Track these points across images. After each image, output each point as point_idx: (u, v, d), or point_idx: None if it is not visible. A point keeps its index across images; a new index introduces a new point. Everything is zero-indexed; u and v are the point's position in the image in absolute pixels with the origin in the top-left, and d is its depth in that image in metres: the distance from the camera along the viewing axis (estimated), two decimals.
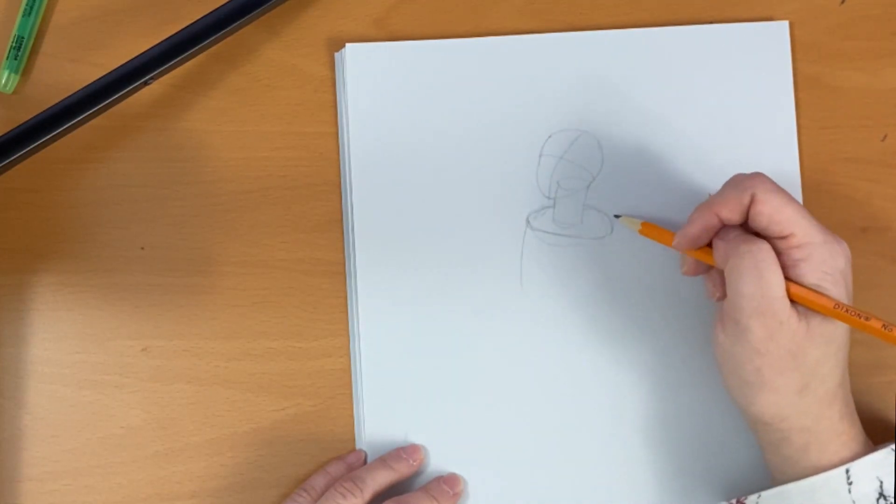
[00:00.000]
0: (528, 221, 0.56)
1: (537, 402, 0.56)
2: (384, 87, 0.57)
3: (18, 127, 0.52)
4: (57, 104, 0.52)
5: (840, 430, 0.48)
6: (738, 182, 0.49)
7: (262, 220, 0.57)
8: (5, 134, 0.52)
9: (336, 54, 0.57)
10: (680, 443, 0.55)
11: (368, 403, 0.56)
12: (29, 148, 0.52)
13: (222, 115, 0.58)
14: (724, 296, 0.50)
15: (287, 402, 0.56)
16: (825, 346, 0.47)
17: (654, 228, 0.54)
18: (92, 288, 0.56)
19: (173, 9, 0.57)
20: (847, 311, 0.46)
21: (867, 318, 0.46)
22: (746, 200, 0.48)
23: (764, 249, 0.47)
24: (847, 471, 0.47)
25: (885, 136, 0.58)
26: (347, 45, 0.57)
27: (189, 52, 0.53)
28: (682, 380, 0.56)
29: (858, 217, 0.57)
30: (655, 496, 0.55)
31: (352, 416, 0.56)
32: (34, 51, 0.58)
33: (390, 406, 0.56)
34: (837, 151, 0.57)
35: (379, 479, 0.53)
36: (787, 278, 0.47)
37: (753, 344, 0.47)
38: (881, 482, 0.48)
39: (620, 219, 0.55)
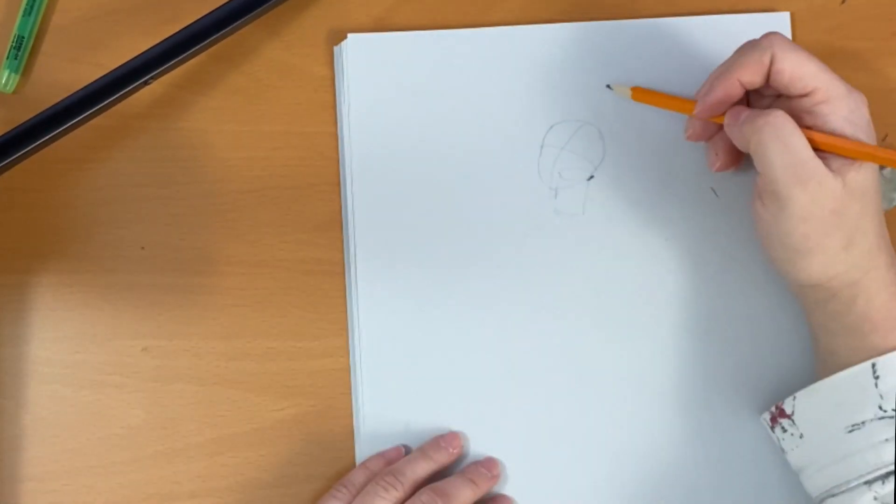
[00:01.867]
0: (530, 214, 0.56)
1: (538, 401, 0.56)
2: (385, 79, 0.57)
3: (18, 127, 0.52)
4: (57, 104, 0.52)
5: (888, 280, 0.49)
6: (755, 44, 0.48)
7: (263, 220, 0.57)
8: (5, 134, 0.52)
9: (335, 48, 0.57)
10: (686, 445, 0.55)
11: (368, 403, 0.56)
12: (29, 148, 0.52)
13: (222, 115, 0.58)
14: (724, 165, 0.52)
15: (287, 402, 0.56)
16: (862, 197, 0.48)
17: (647, 93, 0.53)
18: (92, 288, 0.56)
19: (173, 9, 0.57)
20: (875, 149, 0.47)
21: None
22: (766, 60, 0.48)
23: (780, 116, 0.47)
24: (873, 365, 0.47)
25: (886, 136, 0.58)
26: (349, 35, 0.57)
27: (189, 52, 0.53)
28: (698, 366, 0.56)
29: None
30: (655, 472, 0.55)
31: (352, 416, 0.56)
32: (34, 51, 0.58)
33: (390, 406, 0.56)
34: None
35: (419, 471, 0.53)
36: (818, 130, 0.47)
37: (797, 211, 0.47)
38: None
39: (613, 87, 0.55)
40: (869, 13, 0.58)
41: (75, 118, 0.52)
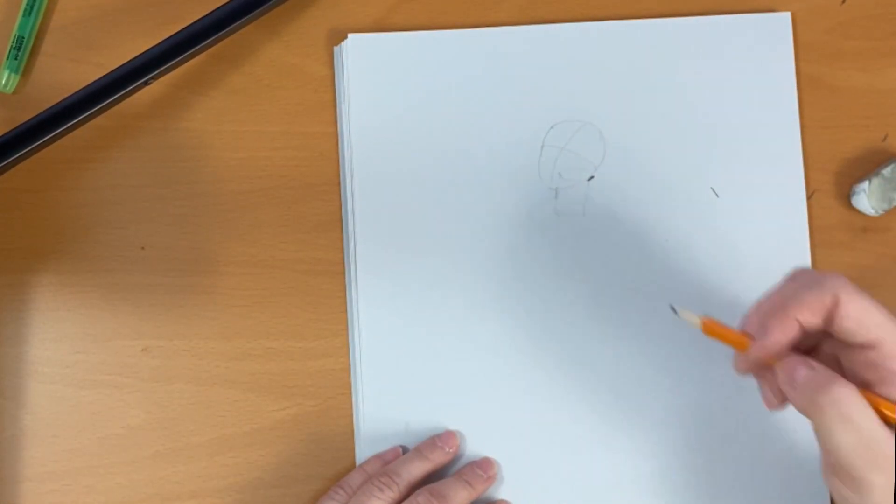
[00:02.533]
0: (530, 214, 0.56)
1: (538, 401, 0.56)
2: (385, 78, 0.57)
3: (18, 127, 0.52)
4: (57, 104, 0.52)
5: None
6: (816, 281, 0.43)
7: (263, 220, 0.57)
8: (5, 134, 0.52)
9: (335, 48, 0.57)
10: (686, 446, 0.55)
11: (368, 403, 0.56)
12: (29, 148, 0.52)
13: (222, 115, 0.58)
14: (781, 405, 0.45)
15: (287, 402, 0.56)
16: None
17: (718, 327, 0.46)
18: (92, 288, 0.56)
19: (173, 9, 0.57)
20: None
21: None
22: (829, 302, 0.42)
23: (846, 394, 0.42)
24: None
25: (886, 136, 0.58)
26: (349, 35, 0.57)
27: (189, 52, 0.53)
28: (697, 366, 0.55)
29: (859, 217, 0.57)
30: (674, 484, 0.55)
31: (352, 416, 0.56)
32: (34, 51, 0.58)
33: (390, 406, 0.56)
34: (838, 151, 0.57)
35: (414, 471, 0.53)
36: (877, 394, 0.42)
37: (880, 494, 0.42)
38: None
39: (679, 313, 0.47)
40: (869, 13, 0.58)
41: (75, 118, 0.52)
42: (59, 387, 0.56)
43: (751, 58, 0.57)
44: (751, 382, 0.54)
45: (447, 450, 0.54)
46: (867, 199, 0.56)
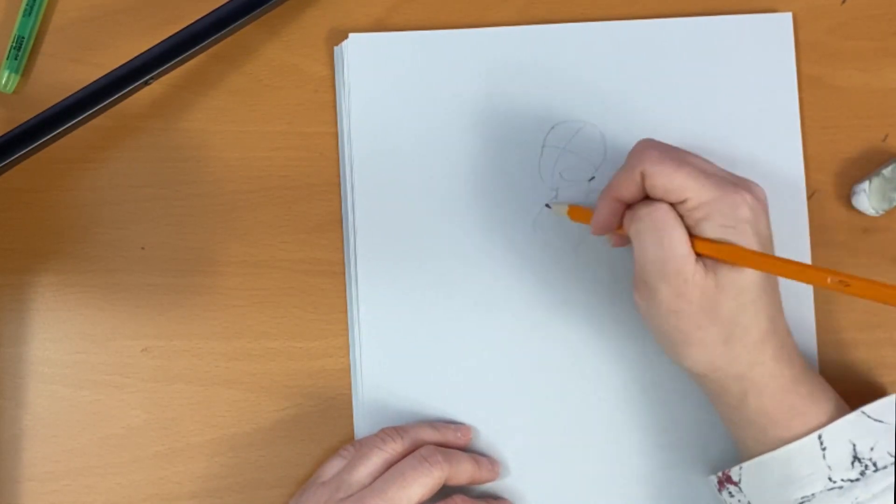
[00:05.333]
0: (531, 214, 0.56)
1: (539, 401, 0.56)
2: (385, 78, 0.57)
3: (18, 127, 0.52)
4: (57, 104, 0.52)
5: (776, 372, 0.48)
6: (629, 163, 0.49)
7: (263, 220, 0.57)
8: (5, 134, 0.52)
9: (336, 48, 0.57)
10: (686, 445, 0.55)
11: (368, 403, 0.56)
12: (29, 148, 0.52)
13: (222, 115, 0.58)
14: (621, 242, 0.53)
15: (287, 403, 0.56)
16: (738, 296, 0.47)
17: (581, 211, 0.54)
18: (92, 288, 0.56)
19: (173, 9, 0.57)
20: (752, 256, 0.46)
21: (772, 261, 0.47)
22: (638, 178, 0.48)
23: (661, 209, 0.47)
24: (819, 437, 0.48)
25: (886, 136, 0.58)
26: (350, 35, 0.57)
27: (189, 52, 0.53)
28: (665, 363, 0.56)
29: (859, 217, 0.57)
30: (644, 469, 0.55)
31: (352, 416, 0.56)
32: (34, 51, 0.58)
33: (390, 406, 0.56)
34: (838, 151, 0.57)
35: (422, 434, 0.54)
36: (692, 235, 0.47)
37: (664, 304, 0.48)
38: (854, 445, 0.48)
39: (551, 207, 0.56)
40: (869, 13, 0.58)
41: (75, 118, 0.52)
42: (59, 387, 0.56)
43: (751, 58, 0.57)
44: None
45: (458, 434, 0.55)
46: (867, 199, 0.56)
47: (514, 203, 0.57)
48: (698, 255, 0.47)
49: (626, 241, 0.52)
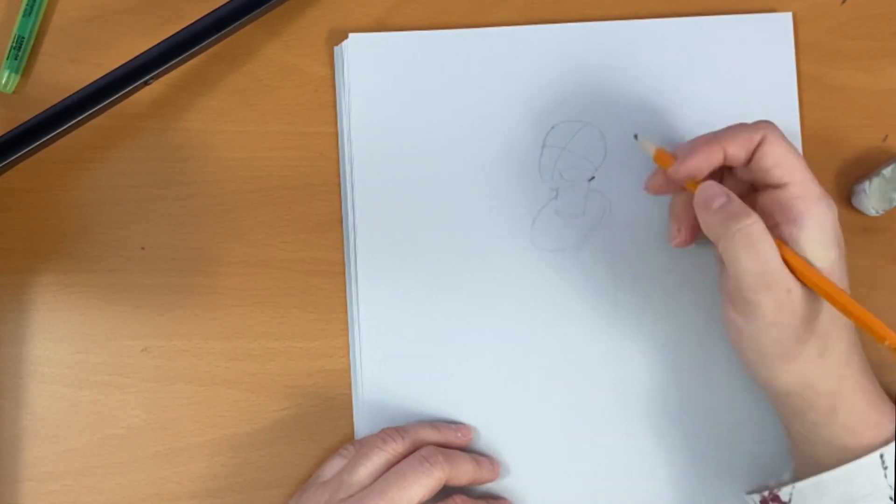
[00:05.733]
0: (531, 214, 0.56)
1: (541, 402, 0.56)
2: (385, 78, 0.57)
3: (18, 127, 0.52)
4: (57, 104, 0.52)
5: (864, 387, 0.48)
6: (752, 124, 0.49)
7: (263, 220, 0.57)
8: (5, 134, 0.52)
9: (336, 48, 0.57)
10: (685, 445, 0.55)
11: (368, 403, 0.56)
12: (29, 148, 0.52)
13: (222, 115, 0.58)
14: (682, 242, 0.52)
15: (287, 403, 0.56)
16: (828, 306, 0.47)
17: (668, 157, 0.52)
18: (92, 288, 0.56)
19: (173, 9, 0.57)
20: (833, 290, 0.47)
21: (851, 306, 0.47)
22: (757, 139, 0.48)
23: (754, 223, 0.47)
24: (881, 456, 0.47)
25: (886, 137, 0.58)
26: (350, 35, 0.57)
27: (189, 52, 0.53)
28: (695, 369, 0.55)
29: (859, 217, 0.57)
30: (673, 487, 0.55)
31: (352, 416, 0.56)
32: (34, 51, 0.58)
33: (390, 406, 0.56)
34: (838, 151, 0.57)
35: (423, 434, 0.54)
36: (784, 241, 0.47)
37: (767, 318, 0.47)
38: None
39: (639, 140, 0.53)
40: (869, 13, 0.58)
41: (75, 118, 0.52)
42: (59, 387, 0.56)
43: (751, 58, 0.57)
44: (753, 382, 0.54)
45: (459, 434, 0.54)
46: (867, 199, 0.56)
47: (514, 203, 0.57)
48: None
49: (691, 240, 0.52)
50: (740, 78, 0.57)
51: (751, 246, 0.46)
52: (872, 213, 0.56)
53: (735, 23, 0.57)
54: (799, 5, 0.58)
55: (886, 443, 0.47)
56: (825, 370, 0.47)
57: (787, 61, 0.57)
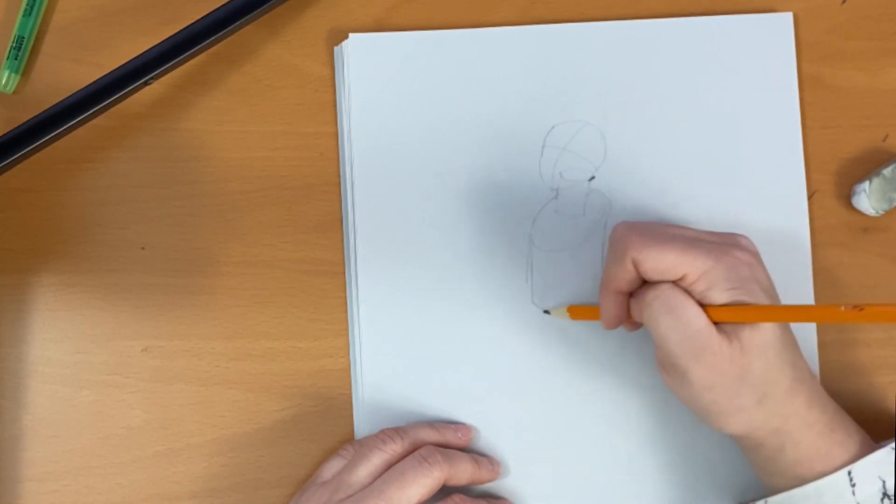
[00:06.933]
0: (531, 214, 0.56)
1: (540, 402, 0.56)
2: (385, 78, 0.57)
3: (18, 127, 0.52)
4: (57, 104, 0.52)
5: (810, 419, 0.48)
6: (614, 254, 0.49)
7: (263, 220, 0.57)
8: (5, 134, 0.52)
9: (336, 48, 0.57)
10: (688, 443, 0.55)
11: (368, 403, 0.56)
12: (29, 148, 0.52)
13: (222, 115, 0.58)
14: (612, 322, 0.51)
15: (288, 403, 0.56)
16: (763, 354, 0.47)
17: (582, 309, 0.54)
18: (92, 288, 0.56)
19: (173, 9, 0.57)
20: (769, 311, 0.47)
21: (790, 311, 0.47)
22: (631, 267, 0.48)
23: (667, 290, 0.47)
24: (849, 472, 0.47)
25: (887, 137, 0.58)
26: (350, 35, 0.57)
27: (189, 52, 0.53)
28: None
29: (859, 217, 0.57)
30: (665, 497, 0.55)
31: (352, 416, 0.56)
32: (34, 51, 0.58)
33: (390, 406, 0.56)
34: (838, 151, 0.57)
35: (422, 434, 0.54)
36: (703, 306, 0.47)
37: (698, 382, 0.47)
38: (883, 482, 0.48)
39: (550, 312, 0.56)
40: (869, 13, 0.58)
41: (75, 118, 0.52)
42: (59, 387, 0.56)
43: (751, 58, 0.57)
44: None
45: (459, 434, 0.54)
46: (868, 199, 0.56)
47: (514, 203, 0.57)
48: (715, 323, 0.46)
49: (639, 324, 0.51)
50: (740, 78, 0.57)
51: (669, 311, 0.47)
52: (873, 213, 0.56)
53: (735, 23, 0.57)
54: (799, 5, 0.58)
55: (838, 469, 0.48)
56: (767, 415, 0.48)
57: (787, 61, 0.57)
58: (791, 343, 0.49)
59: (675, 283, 0.47)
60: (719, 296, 0.46)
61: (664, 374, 0.49)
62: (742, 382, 0.47)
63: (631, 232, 0.48)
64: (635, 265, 0.48)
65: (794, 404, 0.48)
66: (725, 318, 0.46)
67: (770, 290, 0.48)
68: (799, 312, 0.48)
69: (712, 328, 0.46)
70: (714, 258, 0.47)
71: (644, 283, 0.49)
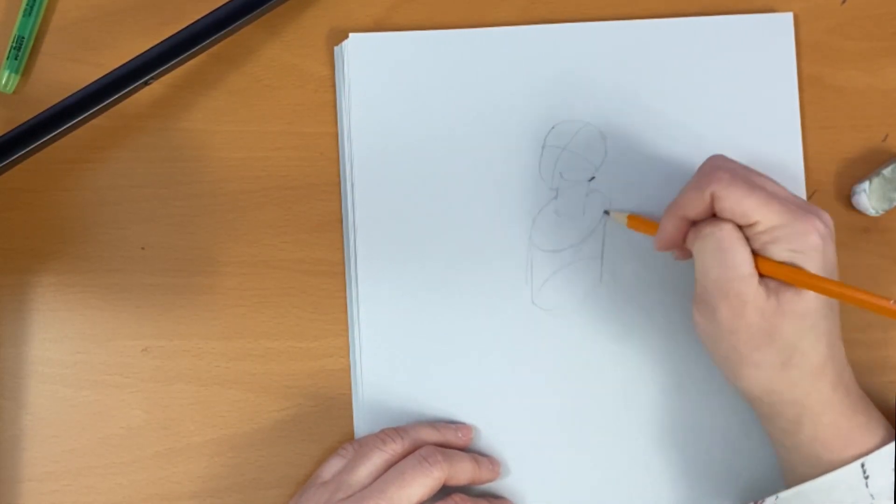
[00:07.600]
0: (531, 214, 0.56)
1: (542, 402, 0.56)
2: (385, 79, 0.57)
3: (18, 127, 0.52)
4: (57, 104, 0.52)
5: (833, 400, 0.48)
6: (699, 182, 0.49)
7: (263, 220, 0.57)
8: (5, 134, 0.52)
9: (336, 48, 0.57)
10: (692, 444, 0.55)
11: (368, 403, 0.56)
12: (29, 148, 0.52)
13: (222, 115, 0.58)
14: (664, 244, 0.52)
15: (288, 403, 0.56)
16: (799, 320, 0.47)
17: (641, 221, 0.54)
18: (92, 288, 0.56)
19: (173, 9, 0.57)
20: (820, 281, 0.46)
21: (840, 288, 0.46)
22: (708, 199, 0.48)
23: (725, 229, 0.47)
24: (862, 465, 0.47)
25: (886, 137, 0.58)
26: (350, 35, 0.57)
27: (189, 52, 0.53)
28: (694, 379, 0.56)
29: (860, 217, 0.57)
30: (667, 499, 0.55)
31: (352, 416, 0.56)
32: (34, 51, 0.58)
33: (390, 406, 0.56)
34: (838, 151, 0.57)
35: (422, 434, 0.54)
36: (757, 255, 0.47)
37: (723, 323, 0.48)
38: None
39: (610, 214, 0.56)
40: (869, 13, 0.58)
41: (75, 118, 0.52)
42: (59, 387, 0.56)
43: (751, 58, 0.57)
44: None
45: (459, 434, 0.54)
46: (868, 199, 0.56)
47: (514, 203, 0.57)
48: (762, 276, 0.47)
49: (690, 254, 0.51)
50: (740, 78, 0.57)
51: (718, 250, 0.47)
52: (873, 213, 0.56)
53: (735, 23, 0.57)
54: (799, 5, 0.58)
55: (859, 455, 0.47)
56: (788, 381, 0.48)
57: (787, 61, 0.57)
58: (832, 322, 0.49)
59: (741, 227, 0.47)
60: (779, 253, 0.47)
61: (696, 312, 0.49)
62: (769, 339, 0.47)
63: (720, 167, 0.48)
64: (714, 199, 0.48)
65: (819, 381, 0.48)
66: (771, 272, 0.47)
67: (831, 267, 0.48)
68: (845, 291, 0.47)
69: (754, 278, 0.47)
70: (791, 217, 0.47)
71: (710, 217, 0.49)
